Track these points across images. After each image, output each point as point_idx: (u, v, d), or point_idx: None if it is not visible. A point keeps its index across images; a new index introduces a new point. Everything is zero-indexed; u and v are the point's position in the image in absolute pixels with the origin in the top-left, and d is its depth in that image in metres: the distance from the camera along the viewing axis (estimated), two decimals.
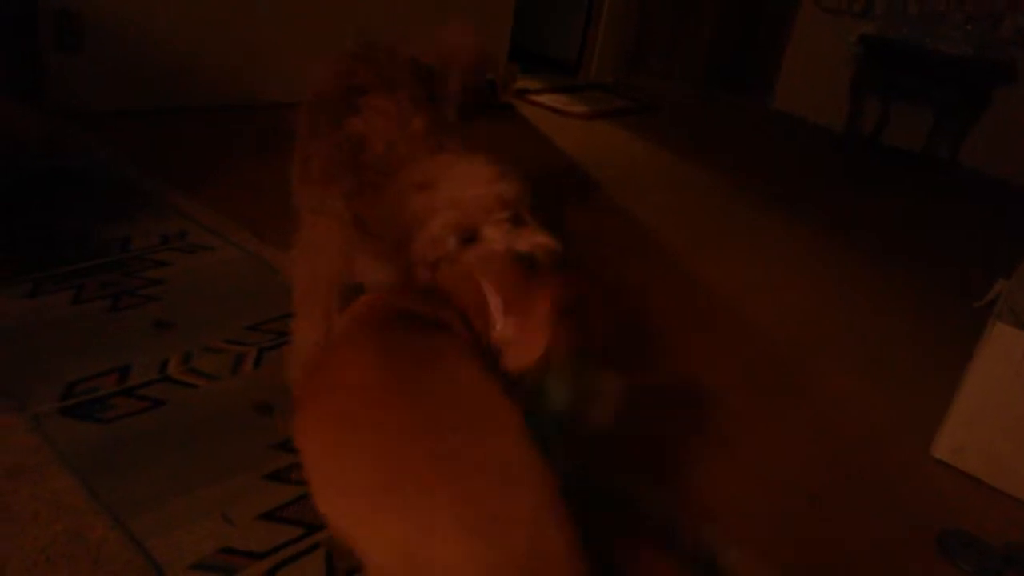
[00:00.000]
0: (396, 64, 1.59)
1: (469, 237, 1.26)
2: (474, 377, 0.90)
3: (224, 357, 1.70)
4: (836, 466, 1.75)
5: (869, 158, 4.66)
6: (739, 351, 2.16)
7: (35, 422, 1.43)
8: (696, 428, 1.78)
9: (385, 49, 1.65)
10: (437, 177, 1.30)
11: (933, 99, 4.48)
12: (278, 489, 1.37)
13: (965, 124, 4.49)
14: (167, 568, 1.18)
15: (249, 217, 2.36)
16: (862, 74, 4.66)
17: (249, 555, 1.23)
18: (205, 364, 1.66)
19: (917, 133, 4.64)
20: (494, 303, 1.04)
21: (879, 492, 1.70)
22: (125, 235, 2.14)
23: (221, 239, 2.21)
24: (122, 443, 1.41)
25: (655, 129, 4.28)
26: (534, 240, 1.27)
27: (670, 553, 1.05)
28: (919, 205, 3.93)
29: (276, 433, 1.50)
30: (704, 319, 2.31)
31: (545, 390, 1.06)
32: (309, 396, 0.96)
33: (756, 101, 5.41)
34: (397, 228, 1.30)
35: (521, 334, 1.03)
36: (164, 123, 3.07)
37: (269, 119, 3.36)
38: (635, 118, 4.43)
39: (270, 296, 1.96)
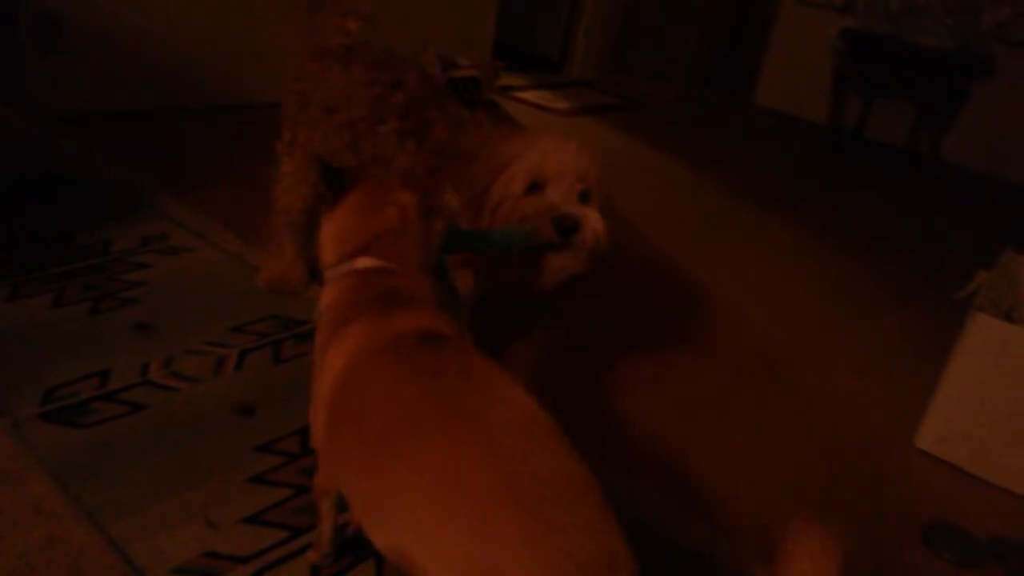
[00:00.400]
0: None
1: (536, 186, 1.41)
2: (519, 397, 0.92)
3: (206, 359, 1.68)
4: (825, 461, 1.76)
5: (852, 153, 4.69)
6: (731, 349, 2.16)
7: (15, 427, 1.41)
8: (688, 425, 1.78)
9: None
10: (526, 143, 1.46)
11: (914, 93, 4.50)
12: (262, 492, 1.36)
13: (946, 119, 4.52)
14: (148, 573, 1.17)
15: (232, 218, 2.35)
16: (844, 69, 4.68)
17: (232, 559, 1.22)
18: (187, 367, 1.65)
19: (899, 128, 4.66)
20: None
21: (866, 485, 1.71)
22: (106, 237, 2.12)
23: (203, 241, 2.19)
24: (103, 448, 1.40)
25: (640, 125, 4.29)
26: (592, 216, 1.42)
27: None
28: (901, 199, 3.95)
29: (259, 435, 1.49)
30: (696, 317, 2.31)
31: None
32: (344, 420, 0.97)
33: (740, 97, 5.43)
34: (480, 179, 1.46)
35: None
36: (147, 125, 3.05)
37: (253, 119, 3.34)
38: (619, 114, 4.44)
39: (252, 298, 1.95)
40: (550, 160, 1.43)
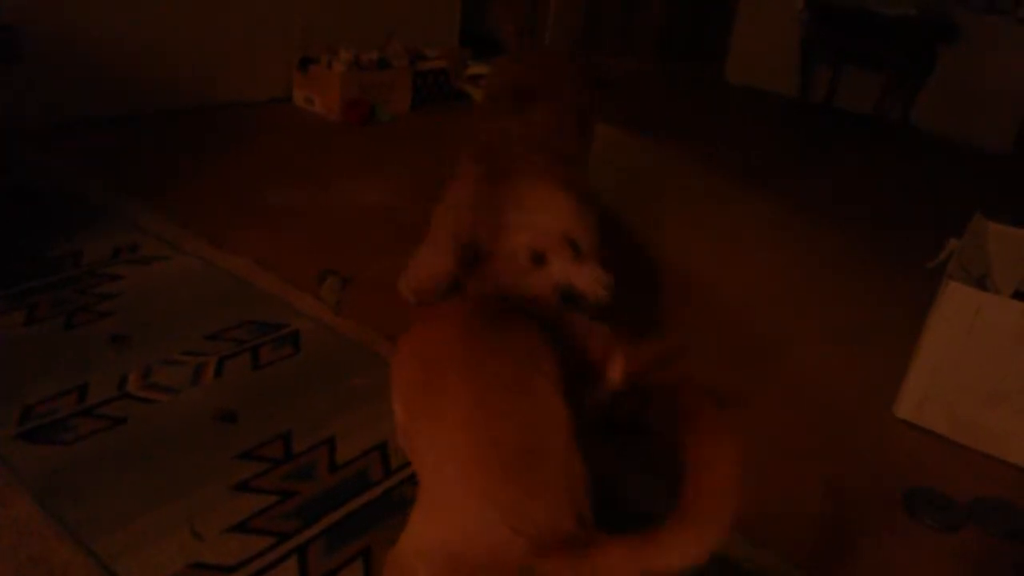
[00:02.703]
0: (563, 73, 1.84)
1: (538, 258, 1.46)
2: (532, 352, 1.06)
3: (183, 369, 1.67)
4: (805, 432, 1.78)
5: (822, 123, 4.71)
6: (707, 323, 2.18)
7: None
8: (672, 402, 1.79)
9: (560, 57, 1.92)
10: (523, 196, 1.50)
11: (881, 61, 4.53)
12: (246, 499, 1.35)
13: (913, 85, 4.56)
14: None
15: (203, 223, 2.33)
16: (810, 40, 4.70)
17: (220, 569, 1.22)
18: (164, 377, 1.64)
19: (868, 96, 4.69)
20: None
21: (846, 454, 1.73)
22: (76, 250, 2.10)
23: (175, 249, 2.17)
24: (84, 464, 1.39)
25: (609, 105, 4.28)
26: (591, 276, 1.47)
27: None
28: (873, 167, 3.98)
29: (242, 442, 1.48)
30: (676, 294, 2.32)
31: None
32: (407, 343, 1.16)
33: (709, 73, 5.43)
34: (472, 233, 1.54)
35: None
36: (111, 132, 3.01)
37: (221, 121, 3.31)
38: None
39: (227, 304, 1.94)
40: (548, 230, 1.46)
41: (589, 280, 1.47)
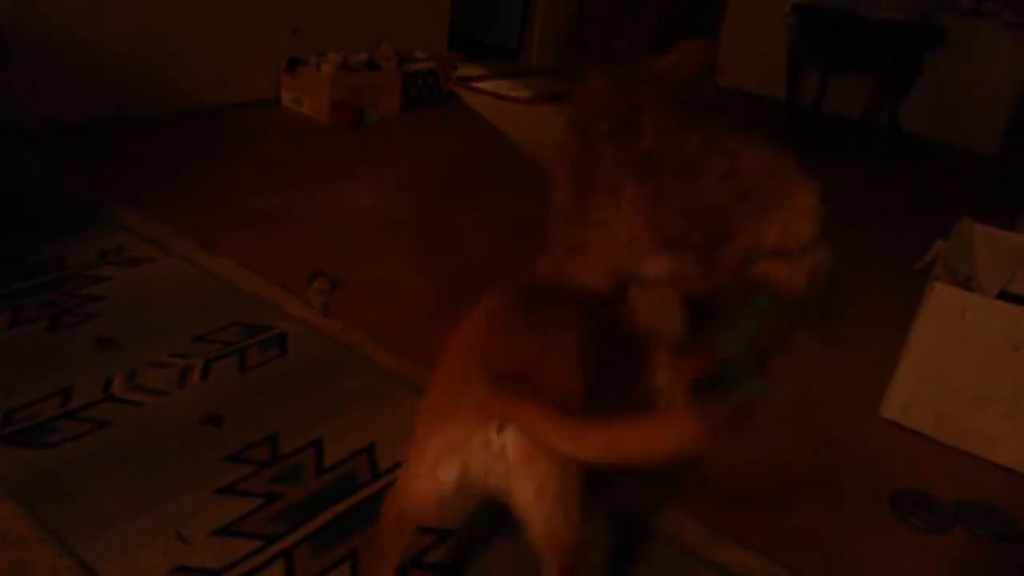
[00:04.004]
0: (666, 87, 1.69)
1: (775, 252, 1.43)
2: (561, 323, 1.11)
3: (170, 371, 1.66)
4: (793, 433, 1.78)
5: (811, 127, 4.73)
6: None
7: None
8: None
9: (652, 71, 1.79)
10: (770, 196, 1.43)
11: (868, 65, 4.55)
12: (232, 503, 1.34)
13: (901, 89, 4.58)
14: None
15: (190, 226, 2.32)
16: (798, 44, 4.71)
17: (205, 572, 1.21)
18: (150, 380, 1.63)
19: (857, 100, 4.71)
20: None
21: (834, 456, 1.73)
22: (62, 252, 2.08)
23: (161, 250, 2.16)
24: (68, 467, 1.38)
25: None
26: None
27: None
28: (862, 171, 4.00)
29: (228, 445, 1.47)
30: None
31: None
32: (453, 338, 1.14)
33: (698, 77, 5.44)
34: (711, 224, 1.43)
35: None
36: (99, 135, 2.99)
37: (209, 123, 3.30)
38: None
39: (214, 306, 1.92)
40: (808, 223, 1.45)
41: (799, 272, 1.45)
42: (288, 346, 1.80)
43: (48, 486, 1.33)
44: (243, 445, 1.48)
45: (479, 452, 0.94)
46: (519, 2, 4.98)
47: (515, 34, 5.05)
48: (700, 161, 1.48)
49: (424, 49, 4.12)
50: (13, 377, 1.59)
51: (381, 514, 1.05)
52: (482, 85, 4.35)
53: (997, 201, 3.53)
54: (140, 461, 1.42)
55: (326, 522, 1.33)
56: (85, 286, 1.94)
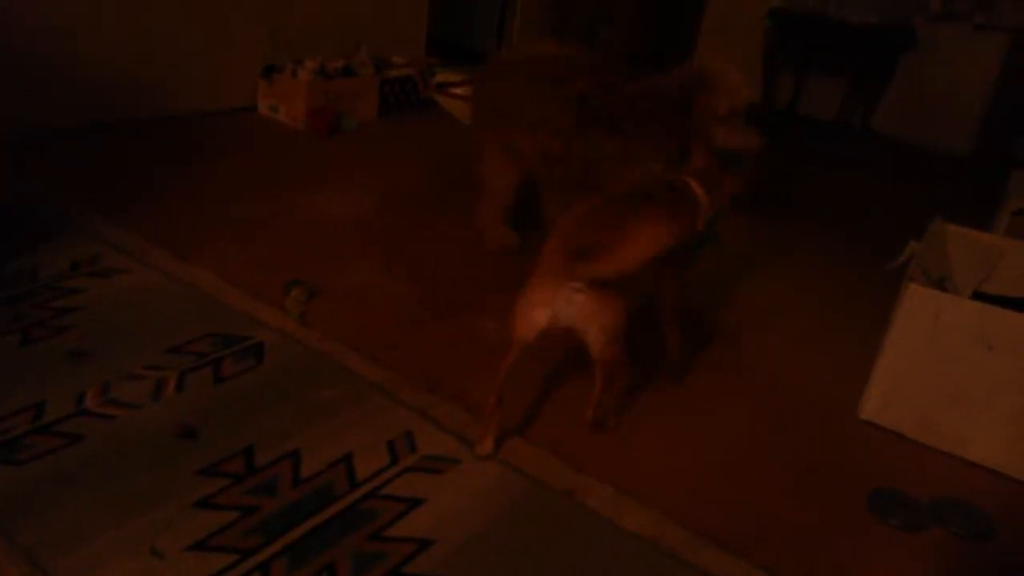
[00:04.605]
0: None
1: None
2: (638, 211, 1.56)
3: (144, 384, 1.64)
4: (772, 435, 1.79)
5: (787, 129, 4.77)
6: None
7: None
8: (635, 406, 1.79)
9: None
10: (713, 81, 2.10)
11: (843, 68, 4.60)
12: (207, 517, 1.33)
13: (875, 91, 4.63)
14: None
15: (165, 235, 2.29)
16: (773, 47, 4.76)
17: None
18: (124, 393, 1.61)
19: (831, 102, 4.76)
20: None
21: (813, 457, 1.74)
22: (35, 264, 2.06)
23: (136, 261, 2.14)
24: (40, 484, 1.36)
25: None
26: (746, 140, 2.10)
27: None
28: (836, 172, 4.04)
29: (202, 458, 1.46)
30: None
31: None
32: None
33: None
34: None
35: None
36: (71, 143, 2.95)
37: (184, 131, 3.27)
38: None
39: (189, 317, 1.91)
40: (741, 92, 2.10)
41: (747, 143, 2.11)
42: (265, 356, 1.79)
43: (20, 502, 1.31)
44: (218, 457, 1.46)
45: (561, 304, 1.47)
46: (497, 7, 4.98)
47: (492, 40, 5.05)
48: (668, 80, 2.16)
49: (402, 55, 4.12)
50: None
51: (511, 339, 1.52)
52: (460, 91, 4.35)
53: (970, 201, 3.57)
54: (113, 476, 1.40)
55: (303, 534, 1.32)
56: (58, 298, 1.92)
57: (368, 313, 2.06)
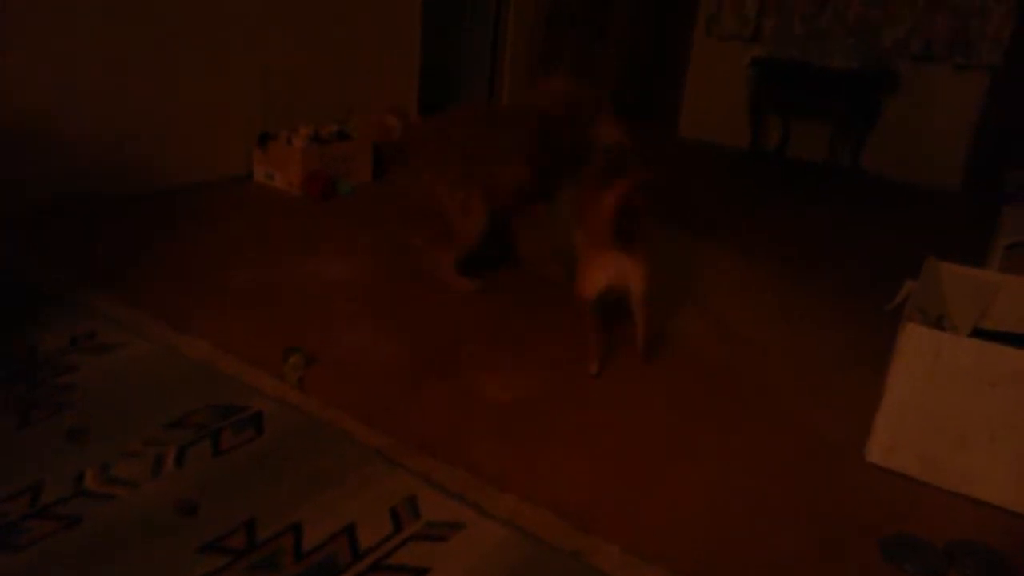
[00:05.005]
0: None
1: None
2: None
3: (143, 461, 1.62)
4: (778, 482, 1.77)
5: (776, 173, 4.82)
6: (677, 372, 2.17)
7: None
8: (634, 452, 1.77)
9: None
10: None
11: (828, 112, 4.68)
12: None
13: (861, 132, 4.70)
14: None
15: (165, 308, 2.30)
16: (758, 94, 4.84)
17: None
18: (123, 471, 1.59)
19: (819, 144, 4.83)
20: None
21: (822, 503, 1.71)
22: (31, 343, 2.06)
23: (133, 334, 2.14)
24: (37, 569, 1.33)
25: None
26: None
27: None
28: (828, 213, 4.07)
29: (203, 534, 1.44)
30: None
31: None
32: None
33: (664, 129, 5.56)
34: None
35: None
36: (67, 217, 2.98)
37: (181, 202, 3.30)
38: None
39: (187, 389, 1.90)
40: (614, 130, 2.67)
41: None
42: (264, 426, 1.78)
43: None
44: (219, 533, 1.44)
45: (615, 269, 2.06)
46: (486, 67, 5.08)
47: (484, 97, 5.14)
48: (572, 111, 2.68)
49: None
50: None
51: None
52: None
53: (963, 237, 3.59)
54: (112, 557, 1.37)
55: None
56: (56, 376, 1.91)
57: (366, 376, 2.05)
